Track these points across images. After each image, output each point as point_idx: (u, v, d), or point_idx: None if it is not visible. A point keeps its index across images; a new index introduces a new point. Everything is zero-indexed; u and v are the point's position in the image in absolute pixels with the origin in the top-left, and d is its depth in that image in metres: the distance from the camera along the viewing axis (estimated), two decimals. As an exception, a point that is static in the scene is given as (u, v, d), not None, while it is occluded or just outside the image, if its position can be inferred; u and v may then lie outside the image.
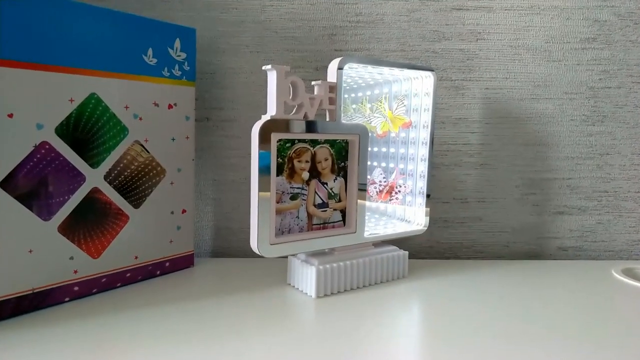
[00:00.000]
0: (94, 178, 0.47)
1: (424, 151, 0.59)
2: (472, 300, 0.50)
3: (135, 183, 0.51)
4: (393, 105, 0.58)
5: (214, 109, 0.65)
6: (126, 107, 0.49)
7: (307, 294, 0.50)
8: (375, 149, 0.63)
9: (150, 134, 0.52)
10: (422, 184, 0.59)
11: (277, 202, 0.48)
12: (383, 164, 0.62)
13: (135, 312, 0.45)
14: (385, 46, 0.64)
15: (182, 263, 0.57)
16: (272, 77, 0.46)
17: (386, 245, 0.57)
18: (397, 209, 0.61)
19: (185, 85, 0.55)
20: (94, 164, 0.47)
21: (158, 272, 0.55)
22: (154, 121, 0.52)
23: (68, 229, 0.45)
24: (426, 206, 0.59)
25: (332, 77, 0.50)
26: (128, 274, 0.51)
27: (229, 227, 0.66)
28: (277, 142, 0.47)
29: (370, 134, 0.56)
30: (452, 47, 0.65)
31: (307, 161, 0.50)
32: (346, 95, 0.62)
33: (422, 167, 0.59)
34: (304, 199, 0.51)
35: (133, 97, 0.49)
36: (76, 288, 0.47)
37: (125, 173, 0.50)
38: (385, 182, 0.59)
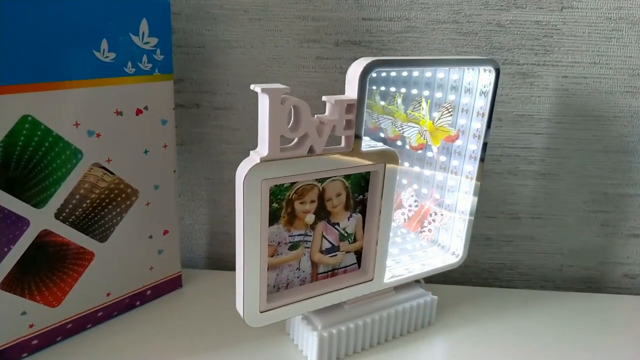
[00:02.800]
0: (41, 219, 0.38)
1: (471, 167, 0.46)
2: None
3: (98, 214, 0.42)
4: (435, 114, 0.45)
5: (205, 92, 0.53)
6: (76, 125, 0.38)
7: (307, 358, 0.43)
8: (407, 164, 0.50)
9: (114, 152, 0.42)
10: (464, 206, 0.48)
11: (272, 255, 0.39)
12: (415, 186, 0.50)
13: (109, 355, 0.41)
14: (432, 15, 0.49)
15: (167, 287, 0.51)
16: (263, 103, 0.34)
17: (410, 288, 0.48)
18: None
19: (159, 80, 0.43)
20: (38, 204, 0.38)
21: (138, 303, 0.48)
22: (117, 135, 0.41)
23: (13, 283, 0.38)
24: (466, 233, 0.48)
25: (351, 89, 0.37)
26: (99, 313, 0.45)
27: (226, 231, 0.58)
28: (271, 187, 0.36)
29: (397, 146, 0.44)
30: (526, 19, 0.49)
31: (312, 201, 0.39)
32: (374, 87, 0.48)
33: (467, 187, 0.47)
34: (307, 247, 0.41)
35: (85, 109, 0.39)
36: (35, 342, 0.41)
37: (84, 205, 0.41)
38: (416, 206, 0.48)
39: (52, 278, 0.41)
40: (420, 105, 0.44)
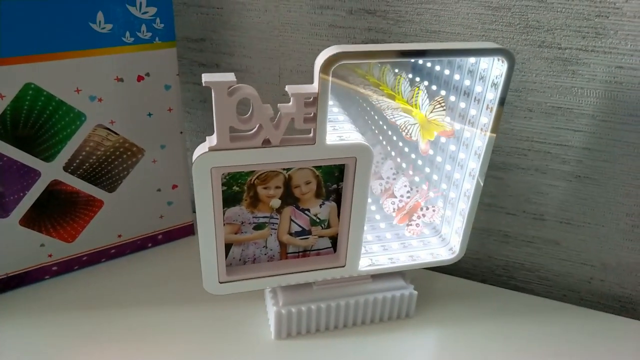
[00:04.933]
0: (51, 171, 0.45)
1: (474, 164, 0.43)
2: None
3: (105, 168, 0.48)
4: (426, 105, 0.41)
5: (224, 54, 0.54)
6: (77, 91, 0.43)
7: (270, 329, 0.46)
8: (406, 149, 0.48)
9: (117, 114, 0.46)
10: (464, 206, 0.45)
11: (235, 233, 0.42)
12: (411, 173, 0.48)
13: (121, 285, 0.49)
14: (458, -16, 0.43)
15: (179, 234, 0.56)
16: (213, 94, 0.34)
17: (390, 279, 0.47)
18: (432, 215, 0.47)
19: (160, 48, 0.45)
20: (47, 158, 0.44)
21: (150, 245, 0.55)
22: (119, 99, 0.45)
23: (30, 221, 0.46)
24: (463, 234, 0.46)
25: (315, 81, 0.36)
26: (112, 250, 0.52)
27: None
28: (224, 174, 0.38)
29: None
30: (574, -6, 0.41)
31: (277, 187, 0.40)
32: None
33: (469, 185, 0.44)
34: (273, 228, 0.42)
35: (84, 77, 0.43)
36: (55, 268, 0.49)
37: (91, 160, 0.47)
38: (408, 198, 0.46)
39: (66, 219, 0.48)
40: (415, 93, 0.41)
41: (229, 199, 0.39)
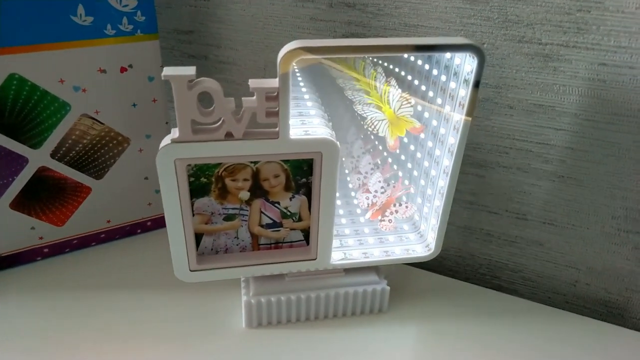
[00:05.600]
0: (39, 158, 0.47)
1: (447, 162, 0.42)
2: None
3: (92, 156, 0.50)
4: (394, 102, 0.41)
5: (211, 46, 0.55)
6: (61, 81, 0.45)
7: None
8: (381, 147, 0.48)
9: (101, 105, 0.48)
10: (439, 203, 0.45)
11: (206, 223, 0.43)
12: (389, 168, 0.48)
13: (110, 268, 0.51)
14: (436, -22, 0.42)
15: (167, 222, 0.58)
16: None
17: (364, 273, 0.48)
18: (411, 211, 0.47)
19: (142, 40, 0.47)
20: (34, 145, 0.46)
21: (139, 231, 0.57)
22: (102, 90, 0.47)
23: (20, 205, 0.48)
24: (438, 232, 0.46)
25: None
26: (102, 235, 0.55)
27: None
28: (190, 165, 0.39)
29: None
30: (553, -13, 0.39)
31: (245, 179, 0.41)
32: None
33: (443, 182, 0.44)
34: (244, 220, 0.43)
35: (67, 68, 0.44)
36: (46, 250, 0.52)
37: (77, 148, 0.49)
38: (382, 193, 0.46)
39: (55, 204, 0.50)
40: (384, 89, 0.41)
41: (197, 190, 0.40)
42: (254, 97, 0.36)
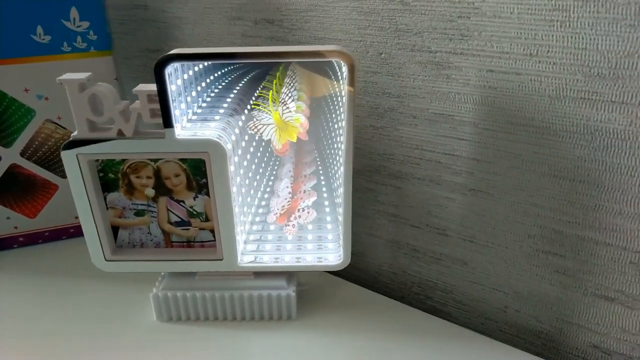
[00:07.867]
0: (10, 155, 0.56)
1: (341, 169, 0.44)
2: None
3: (57, 157, 0.58)
4: (280, 107, 0.43)
5: (172, 63, 0.61)
6: (26, 90, 0.53)
7: (155, 309, 0.51)
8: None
9: (63, 111, 0.56)
10: (339, 209, 0.46)
11: (119, 217, 0.48)
12: (305, 175, 0.50)
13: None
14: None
15: (132, 223, 0.64)
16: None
17: (274, 278, 0.50)
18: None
19: (96, 56, 0.54)
20: (6, 144, 0.55)
21: (106, 229, 0.64)
22: (63, 99, 0.55)
23: (-4, 197, 0.58)
24: (344, 241, 0.47)
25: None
26: (71, 230, 0.62)
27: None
28: (98, 161, 0.44)
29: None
30: (433, -5, 0.40)
31: (148, 177, 0.46)
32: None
33: (341, 190, 0.45)
34: (153, 216, 0.48)
35: (31, 79, 0.53)
36: (21, 239, 0.61)
37: (44, 149, 0.57)
38: (289, 199, 0.49)
39: (27, 198, 0.59)
40: (271, 95, 0.44)
41: (108, 185, 0.46)
42: (139, 100, 0.41)
